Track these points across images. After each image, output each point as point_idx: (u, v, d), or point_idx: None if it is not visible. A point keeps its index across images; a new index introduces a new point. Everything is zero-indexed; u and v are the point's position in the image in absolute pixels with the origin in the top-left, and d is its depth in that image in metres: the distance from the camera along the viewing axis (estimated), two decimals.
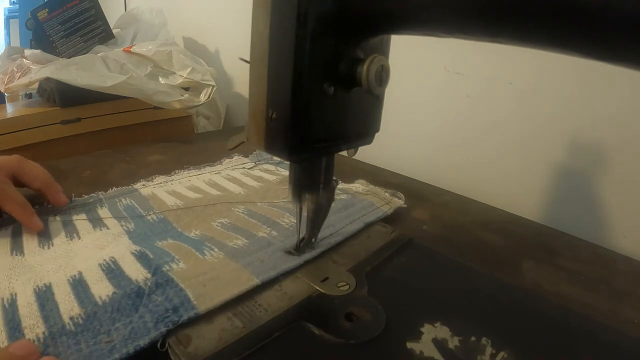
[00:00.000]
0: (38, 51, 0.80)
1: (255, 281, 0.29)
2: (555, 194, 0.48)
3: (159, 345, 0.24)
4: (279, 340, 0.25)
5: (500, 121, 0.51)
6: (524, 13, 0.16)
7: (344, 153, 0.29)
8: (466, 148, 0.55)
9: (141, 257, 0.32)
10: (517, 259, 0.37)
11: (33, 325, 0.25)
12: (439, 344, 0.25)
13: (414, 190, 0.49)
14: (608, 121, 0.42)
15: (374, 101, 0.28)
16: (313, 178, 0.29)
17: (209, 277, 0.29)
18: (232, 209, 0.41)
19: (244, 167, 0.54)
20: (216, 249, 0.33)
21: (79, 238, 0.36)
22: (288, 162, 0.30)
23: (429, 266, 0.34)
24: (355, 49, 0.25)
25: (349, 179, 0.49)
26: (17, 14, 1.37)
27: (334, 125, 0.26)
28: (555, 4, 0.15)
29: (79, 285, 0.29)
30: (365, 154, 0.44)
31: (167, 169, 0.52)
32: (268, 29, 0.24)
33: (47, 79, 0.67)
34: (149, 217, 0.40)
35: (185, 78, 0.73)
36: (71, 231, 0.37)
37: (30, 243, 0.35)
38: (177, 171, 0.52)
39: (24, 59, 0.79)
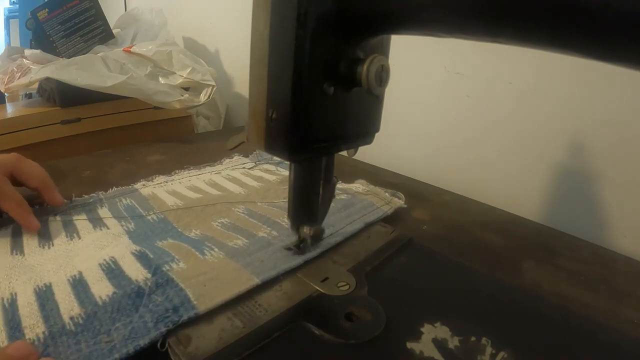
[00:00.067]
0: (38, 51, 0.80)
1: (256, 281, 0.29)
2: (555, 194, 0.48)
3: (159, 345, 0.24)
4: (279, 340, 0.25)
5: (500, 121, 0.51)
6: (524, 13, 0.16)
7: (344, 153, 0.29)
8: (466, 148, 0.55)
9: (141, 257, 0.32)
10: (517, 259, 0.37)
11: (33, 325, 0.25)
12: (439, 344, 0.25)
13: (414, 190, 0.49)
14: (608, 121, 0.42)
15: (374, 101, 0.28)
16: (311, 210, 0.30)
17: (209, 277, 0.29)
18: (232, 209, 0.41)
19: (244, 167, 0.54)
20: (216, 249, 0.33)
21: (79, 238, 0.36)
22: (288, 162, 0.30)
23: (429, 266, 0.34)
24: (355, 49, 0.25)
25: (349, 179, 0.49)
26: (17, 14, 1.37)
27: (334, 125, 0.26)
28: (555, 4, 0.15)
29: (79, 285, 0.29)
30: (365, 154, 0.44)
31: (167, 169, 0.52)
32: (268, 29, 0.24)
33: (47, 79, 0.67)
34: (149, 217, 0.40)
35: (185, 78, 0.73)
36: (71, 231, 0.37)
37: (30, 243, 0.35)
38: (177, 171, 0.52)
39: (24, 59, 0.79)
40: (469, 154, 0.55)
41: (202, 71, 0.74)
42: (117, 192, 0.45)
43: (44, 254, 0.33)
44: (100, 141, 0.73)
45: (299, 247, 0.33)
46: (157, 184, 0.48)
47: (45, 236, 0.36)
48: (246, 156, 0.58)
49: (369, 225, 0.39)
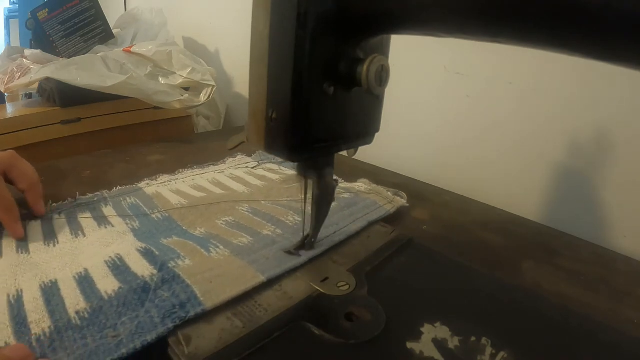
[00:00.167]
0: (38, 51, 0.80)
1: (261, 278, 0.29)
2: (555, 194, 0.48)
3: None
4: (279, 340, 0.25)
5: (500, 121, 0.51)
6: (524, 13, 0.16)
7: (344, 153, 0.29)
8: (466, 148, 0.55)
9: (147, 254, 0.32)
10: (517, 259, 0.37)
11: (39, 320, 0.25)
12: (439, 344, 0.25)
13: (414, 190, 0.49)
14: (608, 121, 0.42)
15: (374, 101, 0.28)
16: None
17: (215, 273, 0.30)
18: (236, 208, 0.42)
19: (247, 167, 0.54)
20: (221, 247, 0.34)
21: (85, 236, 0.36)
22: (292, 163, 0.30)
23: (429, 266, 0.34)
24: (355, 49, 0.24)
25: (350, 179, 0.49)
26: (17, 14, 1.37)
27: (334, 125, 0.26)
28: (555, 4, 0.15)
29: (84, 281, 0.29)
30: (365, 154, 0.44)
31: (167, 169, 0.52)
32: (268, 29, 0.24)
33: (47, 79, 0.67)
34: (153, 216, 0.40)
35: (185, 78, 0.73)
36: (76, 229, 0.37)
37: (35, 241, 0.35)
38: (181, 170, 0.52)
39: (24, 59, 0.79)
40: (469, 154, 0.55)
41: (202, 71, 0.74)
42: (121, 191, 0.46)
43: (49, 251, 0.34)
44: (100, 141, 0.73)
45: (304, 247, 0.33)
46: (161, 183, 0.48)
47: (50, 234, 0.36)
48: (249, 155, 0.58)
49: (371, 224, 0.39)
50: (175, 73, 0.74)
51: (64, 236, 0.36)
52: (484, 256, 0.37)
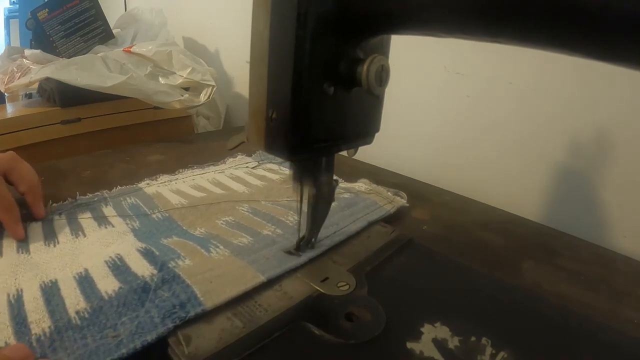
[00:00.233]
0: (38, 51, 0.80)
1: (261, 278, 0.29)
2: (555, 194, 0.48)
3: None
4: (279, 340, 0.25)
5: (500, 121, 0.51)
6: (524, 13, 0.16)
7: (344, 153, 0.29)
8: (466, 148, 0.55)
9: (147, 254, 0.32)
10: (517, 259, 0.37)
11: (39, 320, 0.25)
12: (439, 344, 0.25)
13: (414, 190, 0.49)
14: (608, 121, 0.42)
15: (374, 101, 0.28)
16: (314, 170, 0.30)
17: (215, 273, 0.30)
18: (236, 208, 0.42)
19: (247, 167, 0.54)
20: (221, 247, 0.34)
21: (85, 236, 0.36)
22: (292, 163, 0.30)
23: (429, 266, 0.34)
24: (355, 49, 0.24)
25: (350, 179, 0.49)
26: (17, 14, 1.37)
27: (334, 125, 0.26)
28: (555, 4, 0.15)
29: (84, 281, 0.29)
30: (365, 154, 0.44)
31: (167, 169, 0.52)
32: (268, 29, 0.24)
33: (47, 79, 0.67)
34: (153, 216, 0.40)
35: (185, 78, 0.73)
36: (76, 229, 0.37)
37: (35, 241, 0.35)
38: (181, 170, 0.52)
39: (24, 59, 0.79)
40: (469, 154, 0.55)
41: (202, 71, 0.74)
42: (121, 191, 0.46)
43: (49, 251, 0.34)
44: (100, 141, 0.73)
45: (298, 248, 0.33)
46: (161, 183, 0.48)
47: (50, 234, 0.36)
48: (249, 155, 0.58)
49: (371, 224, 0.39)
50: (175, 73, 0.74)
51: (64, 236, 0.36)
52: (484, 256, 0.37)
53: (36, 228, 0.37)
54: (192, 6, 1.02)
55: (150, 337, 0.24)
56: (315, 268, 0.32)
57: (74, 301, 0.27)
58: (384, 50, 0.27)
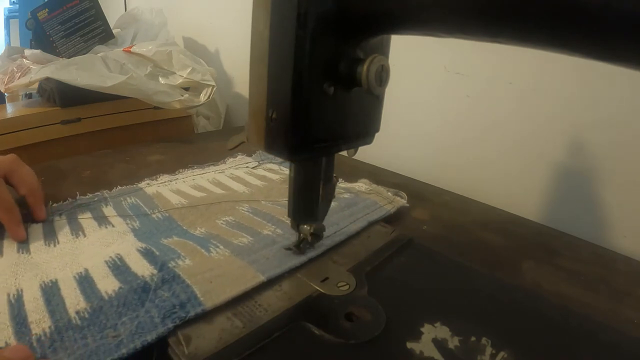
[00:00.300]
0: (38, 51, 0.80)
1: (261, 278, 0.29)
2: (555, 194, 0.48)
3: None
4: (279, 340, 0.25)
5: (500, 121, 0.51)
6: (524, 13, 0.16)
7: (344, 153, 0.29)
8: (466, 148, 0.55)
9: (147, 254, 0.32)
10: (517, 259, 0.37)
11: (39, 320, 0.25)
12: (439, 344, 0.25)
13: (414, 190, 0.49)
14: (608, 121, 0.42)
15: (374, 101, 0.28)
16: (311, 208, 0.30)
17: (215, 273, 0.30)
18: (236, 208, 0.42)
19: (247, 167, 0.54)
20: (222, 247, 0.34)
21: (85, 236, 0.36)
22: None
23: (429, 266, 0.34)
24: (355, 49, 0.24)
25: (350, 179, 0.49)
26: (17, 14, 1.37)
27: (334, 125, 0.26)
28: (555, 4, 0.15)
29: (85, 281, 0.29)
30: (365, 154, 0.44)
31: (167, 169, 0.52)
32: (268, 29, 0.24)
33: (47, 79, 0.67)
34: (154, 216, 0.40)
35: (185, 78, 0.73)
36: (76, 229, 0.37)
37: (36, 241, 0.35)
38: (181, 170, 0.52)
39: (24, 59, 0.79)
40: (469, 154, 0.55)
41: (202, 71, 0.74)
42: (121, 191, 0.46)
43: (49, 251, 0.34)
44: (100, 141, 0.73)
45: (299, 246, 0.33)
46: (162, 182, 0.48)
47: (50, 234, 0.36)
48: (250, 155, 0.58)
49: (371, 224, 0.39)
50: (175, 73, 0.74)
51: (64, 236, 0.36)
52: (484, 256, 0.37)
53: (36, 228, 0.37)
54: (192, 6, 1.02)
55: (150, 337, 0.24)
56: (315, 268, 0.32)
57: (74, 301, 0.27)
58: (384, 50, 0.27)
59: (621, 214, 0.43)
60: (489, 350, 0.25)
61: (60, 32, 0.86)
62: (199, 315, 0.26)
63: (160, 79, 0.74)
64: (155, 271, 0.30)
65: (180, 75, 0.74)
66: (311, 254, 0.33)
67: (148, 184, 0.48)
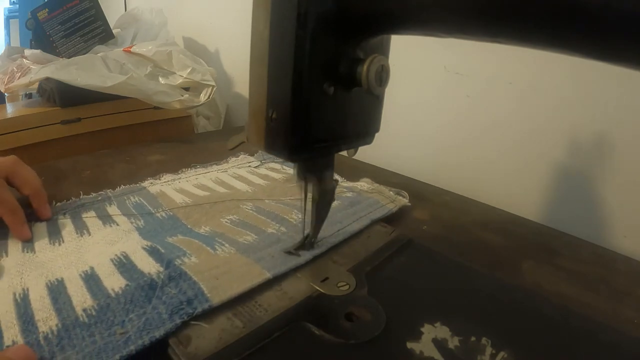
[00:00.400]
0: (38, 51, 0.80)
1: (267, 275, 0.29)
2: (555, 194, 0.48)
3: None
4: (279, 340, 0.25)
5: (500, 121, 0.51)
6: (524, 13, 0.16)
7: (344, 153, 0.29)
8: (466, 148, 0.55)
9: (153, 252, 0.32)
10: (517, 259, 0.37)
11: (46, 318, 0.25)
12: (439, 344, 0.25)
13: (414, 190, 0.49)
14: (608, 121, 0.42)
15: (374, 101, 0.28)
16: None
17: (222, 270, 0.30)
18: (240, 206, 0.42)
19: (250, 166, 0.54)
20: (227, 245, 0.34)
21: (89, 234, 0.36)
22: (294, 164, 0.30)
23: (429, 266, 0.34)
24: (355, 49, 0.24)
25: (350, 179, 0.49)
26: (17, 14, 1.37)
27: (334, 125, 0.26)
28: (555, 4, 0.15)
29: (91, 279, 0.29)
30: (365, 154, 0.44)
31: (167, 169, 0.52)
32: (268, 29, 0.24)
33: (47, 79, 0.67)
34: (158, 214, 0.40)
35: (185, 78, 0.73)
36: (81, 228, 0.37)
37: (40, 240, 0.35)
38: (184, 169, 0.52)
39: (24, 59, 0.79)
40: (469, 154, 0.55)
41: (202, 71, 0.74)
42: (125, 190, 0.46)
43: (54, 250, 0.34)
44: (100, 141, 0.73)
45: (304, 246, 0.33)
46: (165, 182, 0.48)
47: (55, 233, 0.36)
48: (252, 155, 0.58)
49: (372, 224, 0.39)
50: (175, 73, 0.74)
51: (69, 235, 0.36)
52: (484, 256, 0.37)
53: (41, 227, 0.37)
54: (192, 6, 1.02)
55: (158, 333, 0.24)
56: (315, 268, 0.32)
57: (80, 299, 0.27)
58: (384, 50, 0.27)
59: (621, 214, 0.43)
60: (489, 350, 0.25)
61: (60, 32, 0.86)
62: (206, 311, 0.26)
63: (160, 79, 0.74)
64: (161, 268, 0.30)
65: (180, 75, 0.74)
66: (316, 252, 0.33)
67: (151, 183, 0.48)
